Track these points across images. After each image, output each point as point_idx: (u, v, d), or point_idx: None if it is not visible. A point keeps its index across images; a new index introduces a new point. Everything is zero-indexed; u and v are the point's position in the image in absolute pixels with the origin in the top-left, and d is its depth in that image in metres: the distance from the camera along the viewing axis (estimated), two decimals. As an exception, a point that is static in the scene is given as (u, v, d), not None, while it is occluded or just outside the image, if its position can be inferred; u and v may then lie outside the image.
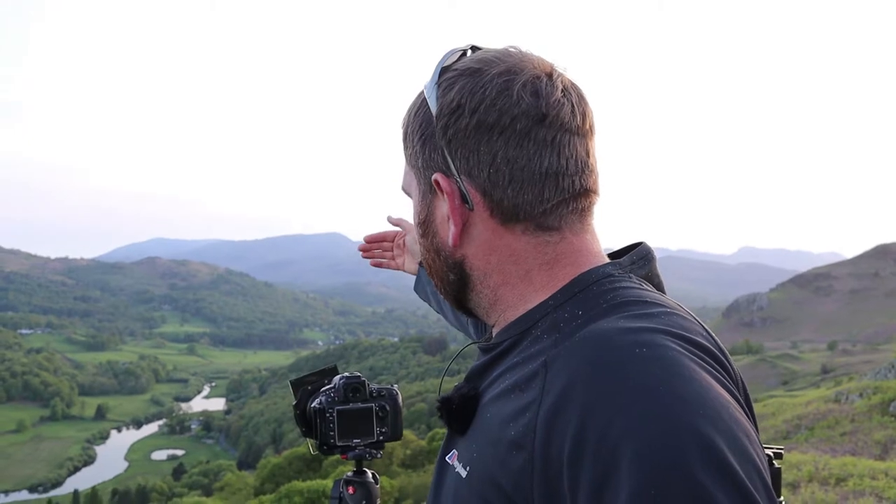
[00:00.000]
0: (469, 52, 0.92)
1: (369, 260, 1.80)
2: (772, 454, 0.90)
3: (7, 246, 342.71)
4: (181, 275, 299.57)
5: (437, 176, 0.89)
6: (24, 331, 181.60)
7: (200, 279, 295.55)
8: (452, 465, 0.89)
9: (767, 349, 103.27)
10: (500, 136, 0.85)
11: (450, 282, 0.95)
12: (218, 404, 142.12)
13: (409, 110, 0.95)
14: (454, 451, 0.90)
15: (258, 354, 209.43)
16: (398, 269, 1.76)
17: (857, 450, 12.54)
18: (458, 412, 0.89)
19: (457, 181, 0.87)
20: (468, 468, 0.84)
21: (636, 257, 0.92)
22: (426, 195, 0.93)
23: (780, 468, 0.89)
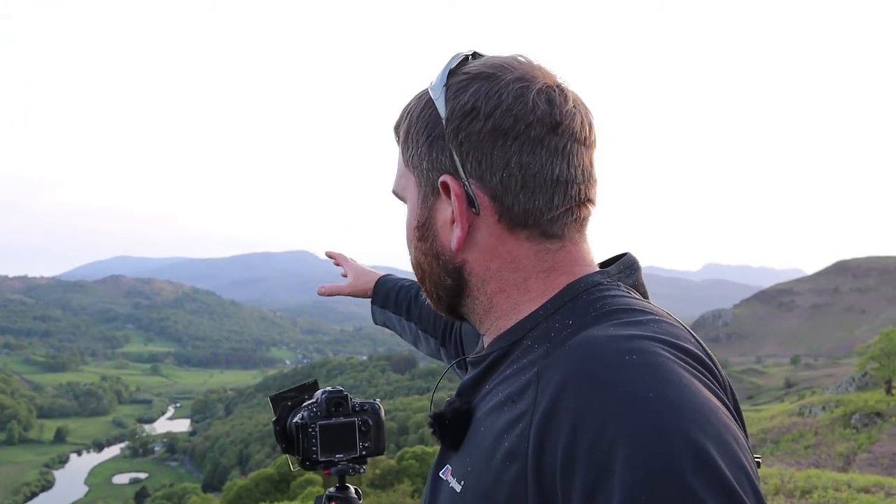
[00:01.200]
0: (470, 58, 0.92)
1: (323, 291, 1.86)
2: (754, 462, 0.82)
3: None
4: (145, 293, 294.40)
5: (445, 178, 0.88)
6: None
7: (165, 297, 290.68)
8: (446, 480, 0.88)
9: (733, 364, 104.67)
10: (514, 142, 0.85)
11: (446, 287, 0.94)
12: (183, 425, 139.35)
13: (408, 112, 0.95)
14: (448, 466, 0.90)
15: (224, 374, 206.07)
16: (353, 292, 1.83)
17: (821, 462, 12.74)
18: (451, 427, 0.89)
19: (465, 184, 0.87)
20: (462, 483, 0.84)
21: (623, 266, 0.93)
22: (428, 197, 0.92)
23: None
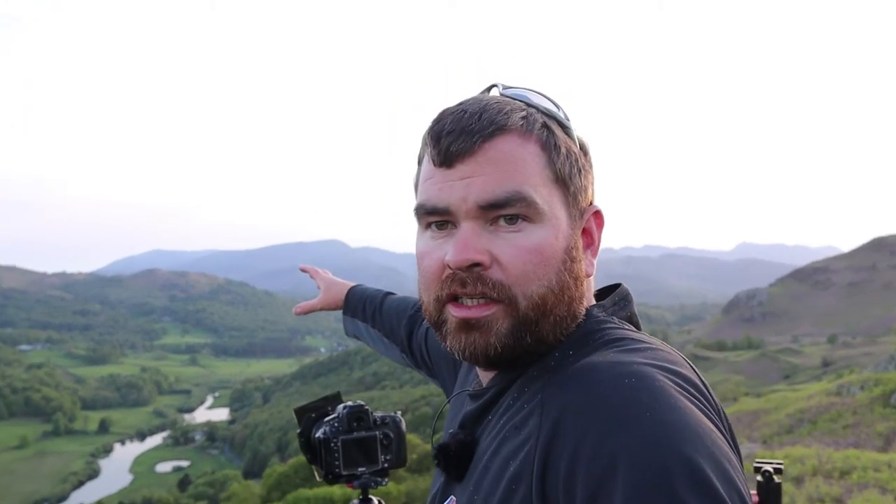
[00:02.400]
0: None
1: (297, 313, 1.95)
2: (772, 469, 0.91)
3: (4, 262, 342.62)
4: (180, 286, 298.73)
5: (598, 208, 0.94)
6: (23, 346, 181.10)
7: (200, 290, 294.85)
8: None
9: (768, 344, 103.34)
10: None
11: (576, 314, 0.91)
12: (221, 414, 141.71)
13: (547, 125, 0.90)
14: (452, 497, 0.92)
15: (261, 363, 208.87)
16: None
17: (860, 442, 12.64)
18: (456, 458, 0.91)
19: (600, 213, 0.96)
20: None
21: (618, 298, 0.96)
22: (575, 220, 0.91)
23: (780, 483, 0.91)
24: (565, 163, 0.89)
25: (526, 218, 0.86)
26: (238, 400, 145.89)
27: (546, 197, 0.88)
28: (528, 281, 0.86)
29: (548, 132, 0.89)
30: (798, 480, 8.25)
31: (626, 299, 0.96)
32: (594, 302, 0.94)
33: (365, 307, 1.74)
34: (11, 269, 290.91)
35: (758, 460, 0.97)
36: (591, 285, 0.95)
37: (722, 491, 0.68)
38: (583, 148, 0.93)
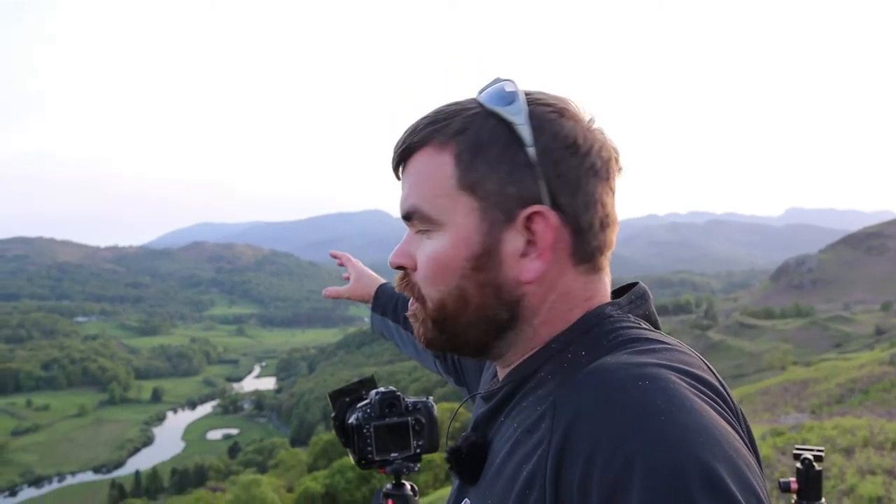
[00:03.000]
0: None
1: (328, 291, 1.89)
2: (811, 457, 0.86)
3: (59, 237, 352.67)
4: (227, 258, 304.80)
5: (540, 209, 0.86)
6: (79, 318, 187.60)
7: (246, 261, 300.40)
8: None
9: (818, 311, 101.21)
10: (599, 182, 0.88)
11: (497, 321, 0.90)
12: (269, 383, 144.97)
13: (463, 129, 0.89)
14: (466, 500, 0.91)
15: (306, 333, 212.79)
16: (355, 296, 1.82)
17: (914, 412, 12.25)
18: (469, 461, 0.90)
19: (561, 216, 0.87)
20: None
21: (634, 297, 0.94)
22: (496, 225, 0.87)
23: (820, 471, 0.87)
24: (480, 168, 0.87)
25: (425, 230, 0.90)
26: (284, 369, 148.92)
27: (446, 207, 0.89)
28: (428, 285, 0.91)
29: (472, 138, 0.88)
30: (848, 452, 8.02)
31: (643, 297, 0.95)
32: (608, 300, 0.92)
33: (397, 307, 1.68)
34: (66, 244, 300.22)
35: (797, 447, 0.89)
36: (601, 282, 0.92)
37: (740, 496, 0.67)
38: (558, 145, 0.86)
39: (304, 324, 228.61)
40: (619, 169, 0.92)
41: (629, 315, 0.90)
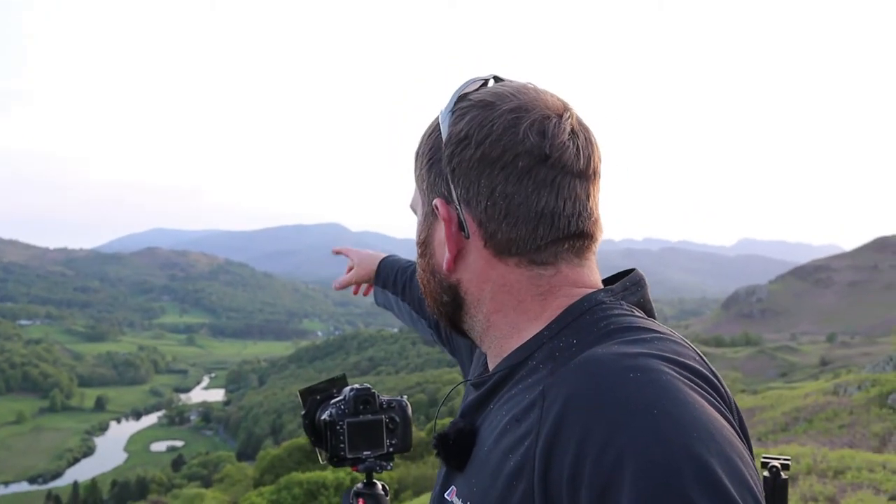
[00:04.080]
0: (491, 82, 0.94)
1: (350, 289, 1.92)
2: (779, 465, 0.90)
3: (6, 236, 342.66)
4: (181, 265, 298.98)
5: (437, 201, 0.91)
6: (23, 321, 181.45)
7: (200, 269, 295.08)
8: (452, 501, 0.90)
9: (766, 341, 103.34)
10: (500, 172, 0.86)
11: (443, 303, 0.96)
12: (217, 395, 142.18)
13: (424, 132, 0.97)
14: (453, 486, 0.91)
15: (258, 345, 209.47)
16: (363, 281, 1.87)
17: (856, 442, 12.53)
18: (456, 448, 0.90)
19: (456, 209, 0.89)
20: (468, 503, 0.85)
21: (628, 283, 0.93)
22: (428, 217, 0.95)
23: (787, 479, 0.91)
24: (423, 165, 0.95)
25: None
26: (234, 381, 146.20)
27: (415, 200, 1.00)
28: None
29: (418, 144, 0.97)
30: (792, 479, 8.14)
31: (637, 284, 0.94)
32: (593, 290, 0.91)
33: (396, 279, 1.73)
34: (13, 244, 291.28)
35: (765, 456, 0.95)
36: (577, 272, 0.91)
37: (733, 490, 0.66)
38: (452, 140, 0.89)
39: (257, 335, 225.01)
40: (544, 156, 0.86)
41: (622, 302, 0.89)
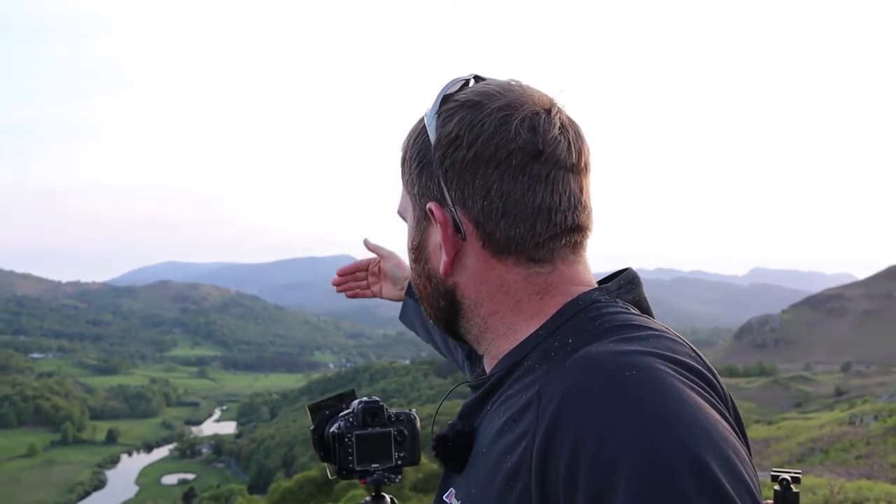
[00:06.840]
0: (472, 82, 0.94)
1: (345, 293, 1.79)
2: (789, 478, 0.89)
3: (19, 270, 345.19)
4: (192, 298, 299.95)
5: (431, 205, 0.90)
6: (35, 355, 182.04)
7: (211, 302, 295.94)
8: (450, 503, 0.90)
9: (780, 371, 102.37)
10: (495, 170, 0.86)
11: (440, 308, 0.96)
12: (229, 428, 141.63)
13: (408, 135, 0.96)
14: (451, 489, 0.90)
15: (269, 377, 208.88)
16: (375, 297, 1.75)
17: (873, 473, 12.45)
18: (454, 450, 0.90)
19: (451, 211, 0.89)
20: None
21: (623, 282, 0.93)
22: (420, 222, 0.94)
23: (797, 493, 0.89)
24: (412, 170, 0.94)
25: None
26: (245, 414, 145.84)
27: (404, 205, 1.00)
28: None
29: (405, 148, 0.97)
30: (808, 511, 8.13)
31: (632, 282, 0.93)
32: (588, 288, 0.91)
33: None
34: (27, 277, 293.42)
35: (775, 469, 0.94)
36: (571, 270, 0.91)
37: (730, 488, 0.66)
38: (443, 141, 0.89)
39: (268, 368, 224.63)
40: (537, 151, 0.86)
41: (617, 300, 0.89)
